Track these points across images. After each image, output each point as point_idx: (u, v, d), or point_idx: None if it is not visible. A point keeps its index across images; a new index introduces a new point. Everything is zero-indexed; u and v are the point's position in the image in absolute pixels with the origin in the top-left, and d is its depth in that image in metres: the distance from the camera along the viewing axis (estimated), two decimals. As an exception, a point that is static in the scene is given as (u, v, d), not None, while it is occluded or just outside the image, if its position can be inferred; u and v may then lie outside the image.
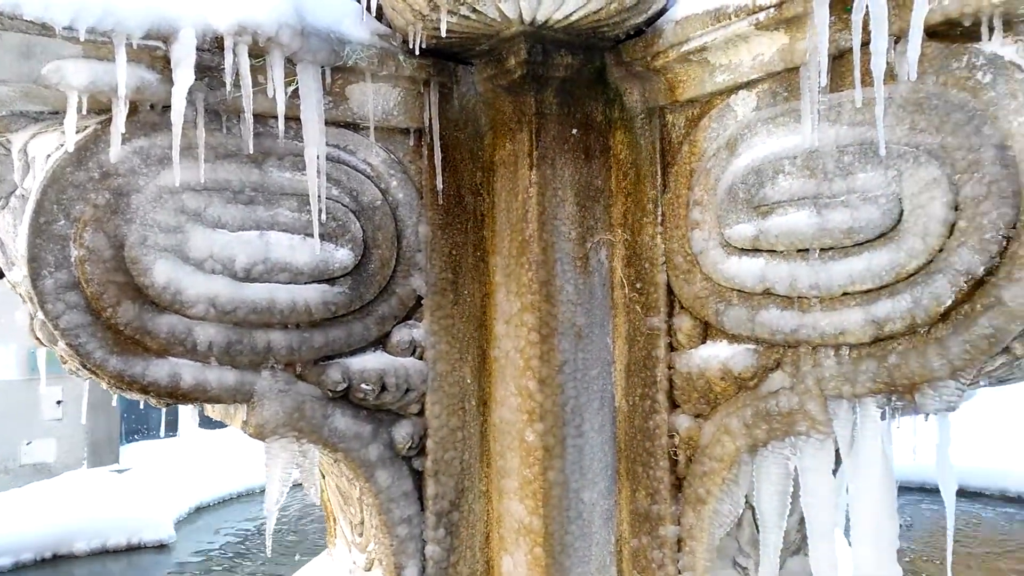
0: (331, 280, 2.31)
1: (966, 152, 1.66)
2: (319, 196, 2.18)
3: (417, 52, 2.29)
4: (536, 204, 2.41)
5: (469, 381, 2.57)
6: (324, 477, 2.73)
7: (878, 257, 1.81)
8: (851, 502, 1.89)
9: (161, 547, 4.72)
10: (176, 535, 4.88)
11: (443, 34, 2.12)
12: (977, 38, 1.66)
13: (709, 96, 2.24)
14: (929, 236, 1.72)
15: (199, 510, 5.43)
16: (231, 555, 4.16)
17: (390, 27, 2.36)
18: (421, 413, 2.49)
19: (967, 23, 1.66)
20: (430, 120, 2.46)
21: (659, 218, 2.38)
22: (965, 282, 1.66)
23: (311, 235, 2.23)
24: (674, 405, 2.36)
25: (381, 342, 2.45)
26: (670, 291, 2.37)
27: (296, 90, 2.21)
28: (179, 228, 2.10)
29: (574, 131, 2.48)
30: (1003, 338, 1.63)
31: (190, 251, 2.10)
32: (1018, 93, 1.59)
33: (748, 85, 2.13)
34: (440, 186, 2.47)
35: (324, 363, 2.32)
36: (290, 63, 2.16)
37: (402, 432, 2.45)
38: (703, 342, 2.28)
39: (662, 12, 2.23)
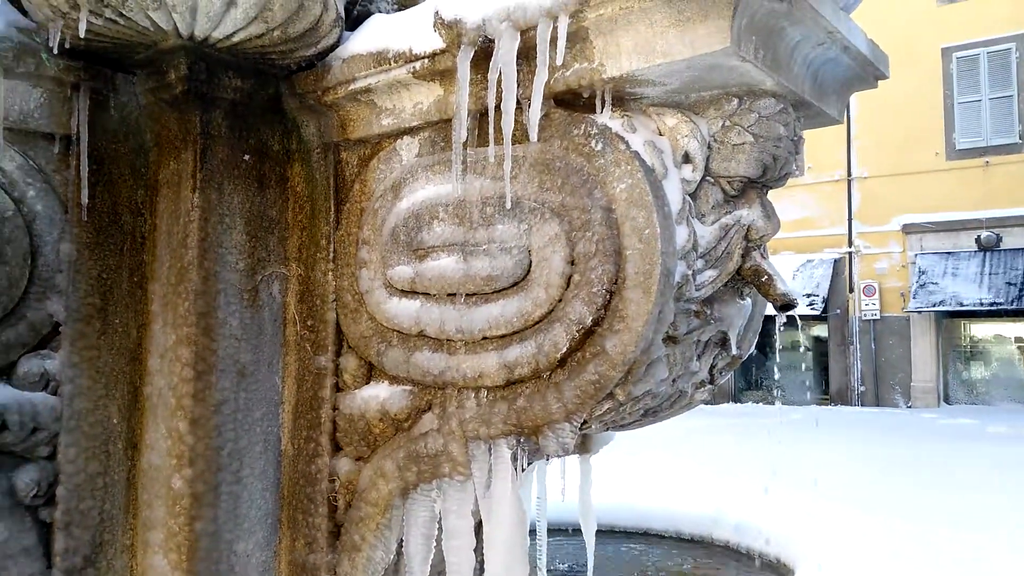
0: (-68, 303, 1.98)
1: (580, 212, 1.82)
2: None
3: (59, 52, 2.08)
4: (198, 229, 2.26)
5: (116, 421, 2.33)
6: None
7: (511, 305, 1.91)
8: (485, 545, 1.95)
9: None
10: None
11: (82, 35, 1.93)
12: (594, 109, 1.84)
13: (378, 138, 2.27)
14: (551, 287, 1.85)
15: None
16: None
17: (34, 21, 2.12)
18: (53, 456, 2.21)
19: (585, 95, 1.83)
20: (78, 128, 2.23)
21: (331, 255, 2.35)
22: (577, 331, 1.80)
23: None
24: (337, 448, 2.31)
25: (5, 373, 2.15)
26: (339, 330, 2.33)
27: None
28: None
29: (246, 157, 2.38)
30: (607, 384, 1.78)
31: None
32: (621, 162, 1.78)
33: (412, 131, 2.18)
34: (86, 200, 2.24)
35: (-83, 399, 1.98)
36: None
37: (25, 478, 2.15)
38: (367, 383, 2.27)
39: (335, 46, 2.23)
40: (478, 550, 2.01)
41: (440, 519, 2.05)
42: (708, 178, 1.86)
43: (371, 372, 2.27)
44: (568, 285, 1.83)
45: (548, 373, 1.86)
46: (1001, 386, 16.67)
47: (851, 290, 17.77)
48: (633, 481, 6.84)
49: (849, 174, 18.10)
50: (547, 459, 2.34)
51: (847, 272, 17.93)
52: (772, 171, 1.85)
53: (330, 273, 2.35)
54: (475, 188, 2.00)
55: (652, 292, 1.72)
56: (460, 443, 1.99)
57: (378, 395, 2.19)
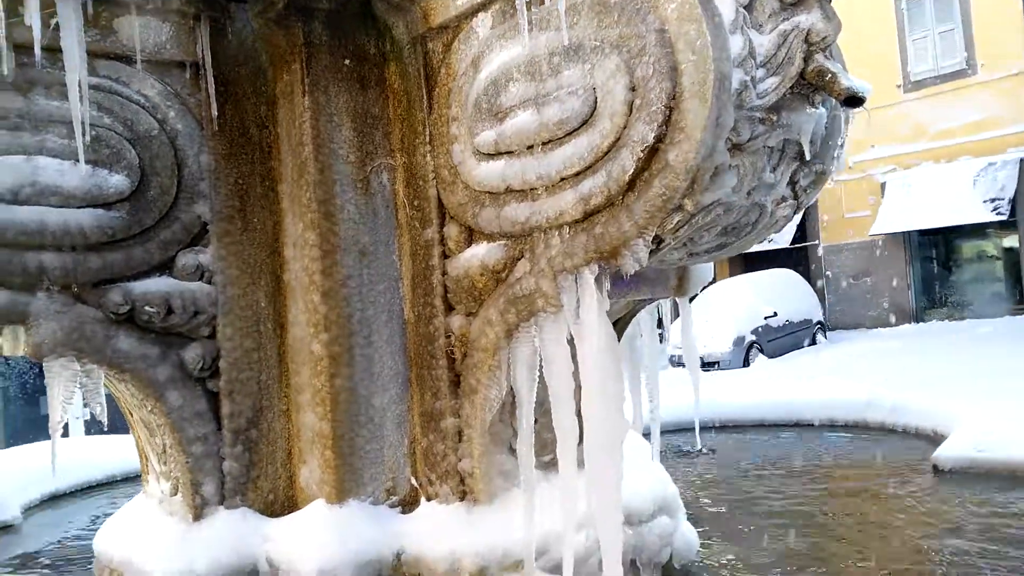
0: (107, 205, 2.39)
1: (636, 39, 1.89)
2: (82, 121, 2.25)
3: (181, -15, 2.40)
4: (310, 128, 2.55)
5: (264, 305, 2.68)
6: (132, 415, 2.79)
7: (582, 141, 2.02)
8: (580, 366, 2.10)
9: (7, 528, 4.66)
10: (22, 517, 4.82)
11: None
12: (640, -62, 1.89)
13: (456, 20, 2.43)
14: (615, 116, 1.94)
15: (55, 498, 5.36)
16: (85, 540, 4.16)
17: (156, -38, 2.46)
18: (213, 336, 2.59)
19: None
20: (202, 53, 2.57)
21: (427, 138, 2.56)
22: (642, 151, 1.89)
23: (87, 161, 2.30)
24: (450, 308, 2.54)
25: (167, 267, 2.54)
26: (440, 204, 2.54)
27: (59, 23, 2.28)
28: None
29: (347, 62, 2.63)
30: (673, 195, 1.86)
31: (-52, 175, 2.15)
32: (670, -18, 1.83)
33: (484, 6, 2.33)
34: (215, 114, 2.57)
35: (105, 286, 2.40)
36: (46, -7, 2.23)
37: (192, 354, 2.55)
38: (469, 246, 2.47)
39: (407, -60, 2.40)
40: (575, 376, 2.14)
41: (540, 352, 2.21)
42: (762, -13, 1.86)
43: (472, 236, 2.46)
44: (631, 111, 1.91)
45: (620, 197, 1.96)
46: None
47: (1041, 189, 15.92)
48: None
49: (1030, 62, 16.13)
50: (646, 303, 2.46)
51: (1035, 170, 16.07)
52: (829, -30, 1.82)
53: (428, 155, 2.55)
54: (541, 43, 2.11)
55: (708, 98, 1.77)
56: (549, 278, 2.13)
57: (477, 253, 2.38)
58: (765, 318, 13.93)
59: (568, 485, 2.14)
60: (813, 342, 14.93)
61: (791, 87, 1.87)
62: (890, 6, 17.03)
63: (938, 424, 4.46)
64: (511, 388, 2.34)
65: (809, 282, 16.43)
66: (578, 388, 2.09)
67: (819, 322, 15.55)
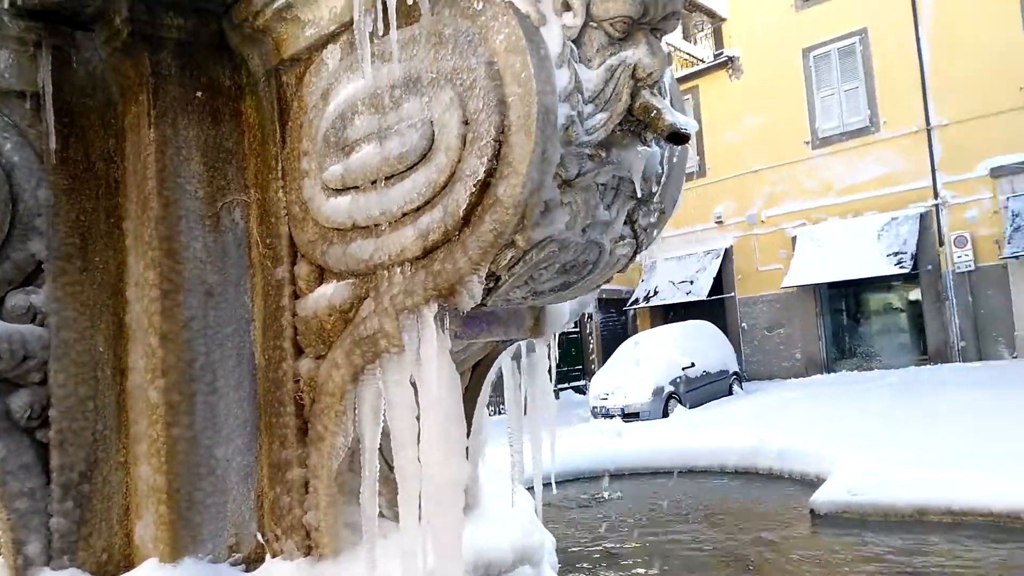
0: (-80, 240, 2.21)
1: (468, 72, 1.87)
2: None
3: (17, 13, 2.29)
4: (155, 161, 2.43)
5: (102, 349, 2.51)
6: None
7: (420, 176, 1.97)
8: (421, 407, 2.01)
9: None
10: None
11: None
12: (474, -27, 1.88)
13: (307, 52, 2.38)
14: (450, 150, 1.90)
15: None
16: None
17: (-10, -13, 2.34)
18: (44, 382, 2.41)
19: (460, -41, 1.88)
20: (43, 83, 2.44)
21: (280, 173, 2.47)
22: (474, 185, 1.84)
23: None
24: (300, 351, 2.42)
25: (-8, 307, 2.36)
26: (292, 241, 2.45)
27: None
28: None
29: (199, 93, 2.54)
30: (504, 230, 1.81)
31: None
32: (499, 15, 1.82)
33: (333, 38, 2.28)
34: (54, 146, 2.44)
35: (-87, 327, 2.21)
36: None
37: (19, 401, 2.36)
38: (319, 285, 2.37)
39: (256, -27, 2.36)
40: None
41: (383, 395, 2.11)
42: (591, 23, 1.86)
43: (322, 275, 2.37)
44: (464, 145, 1.88)
45: (457, 233, 1.90)
46: (1116, 326, 15.38)
47: (941, 243, 16.79)
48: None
49: (928, 123, 17.17)
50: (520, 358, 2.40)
51: (935, 225, 16.97)
52: (654, 9, 1.84)
53: (280, 191, 2.47)
54: (383, 75, 2.07)
55: (532, 132, 1.74)
56: (392, 317, 2.05)
57: (325, 293, 2.29)
58: (683, 369, 14.13)
59: (409, 535, 2.03)
60: (729, 392, 15.19)
61: (620, 123, 1.87)
62: (799, 64, 17.93)
63: (821, 469, 4.52)
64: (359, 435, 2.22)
65: (726, 334, 16.79)
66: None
67: (735, 373, 15.85)
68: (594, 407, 13.92)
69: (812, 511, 3.95)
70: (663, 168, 2.09)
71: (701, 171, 19.53)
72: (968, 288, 16.36)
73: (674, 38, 22.18)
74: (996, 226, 16.15)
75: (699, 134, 19.53)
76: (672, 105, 2.00)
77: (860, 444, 4.66)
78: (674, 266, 19.34)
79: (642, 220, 2.09)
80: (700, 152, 19.51)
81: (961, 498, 3.96)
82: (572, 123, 1.80)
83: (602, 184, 1.93)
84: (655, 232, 2.15)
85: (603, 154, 1.88)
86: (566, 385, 18.55)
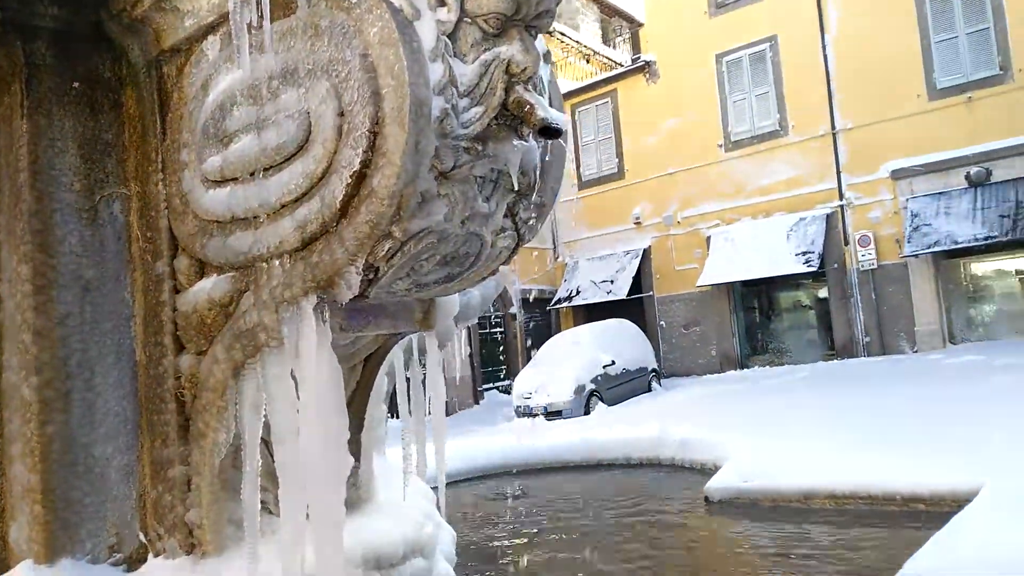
0: None
1: (343, 64, 1.87)
2: None
3: None
4: (28, 153, 2.35)
5: (-27, 347, 2.41)
6: None
7: (297, 167, 1.97)
8: (301, 406, 2.00)
9: None
10: None
11: None
12: (350, -35, 1.89)
13: (187, 42, 2.34)
14: (327, 142, 1.90)
15: None
16: None
17: None
18: (-94, 383, 2.29)
19: (333, -49, 1.88)
20: (-102, 69, 2.32)
21: (160, 165, 2.42)
22: (350, 176, 1.85)
23: None
24: (181, 347, 2.37)
25: None
26: (172, 235, 2.40)
27: None
28: None
29: (76, 84, 2.46)
30: (380, 221, 1.83)
31: None
32: (373, 8, 1.83)
33: (213, 29, 2.25)
34: (-89, 137, 2.33)
35: None
36: None
37: None
38: (199, 279, 2.33)
39: (133, -40, 2.30)
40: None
41: (263, 390, 2.10)
42: (466, 19, 1.90)
43: (203, 269, 2.33)
44: (340, 136, 1.88)
45: (335, 224, 1.91)
46: (1005, 320, 16.41)
47: (846, 243, 17.60)
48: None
49: (833, 127, 17.96)
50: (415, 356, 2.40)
51: (840, 225, 17.76)
52: (527, 7, 1.89)
53: (161, 183, 2.42)
54: (261, 66, 2.06)
55: (406, 124, 1.76)
56: (271, 310, 2.04)
57: (205, 287, 2.26)
58: (604, 367, 14.37)
59: (289, 530, 2.02)
60: (649, 389, 15.53)
61: (495, 117, 1.91)
62: (712, 69, 18.49)
63: (717, 457, 4.69)
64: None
65: (645, 332, 17.17)
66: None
67: (654, 370, 16.22)
68: (518, 406, 14.03)
69: (706, 498, 4.11)
70: (542, 162, 2.14)
71: (620, 173, 19.94)
72: (872, 286, 17.18)
73: (594, 42, 22.57)
74: (897, 226, 17.01)
75: (618, 137, 19.94)
76: (551, 103, 2.07)
77: (757, 434, 4.88)
78: (596, 266, 19.67)
79: (523, 213, 2.14)
80: (619, 155, 19.91)
81: (843, 483, 4.19)
82: (447, 116, 1.83)
83: (480, 177, 1.97)
84: (537, 224, 2.21)
85: (479, 147, 1.91)
86: (491, 385, 18.62)
